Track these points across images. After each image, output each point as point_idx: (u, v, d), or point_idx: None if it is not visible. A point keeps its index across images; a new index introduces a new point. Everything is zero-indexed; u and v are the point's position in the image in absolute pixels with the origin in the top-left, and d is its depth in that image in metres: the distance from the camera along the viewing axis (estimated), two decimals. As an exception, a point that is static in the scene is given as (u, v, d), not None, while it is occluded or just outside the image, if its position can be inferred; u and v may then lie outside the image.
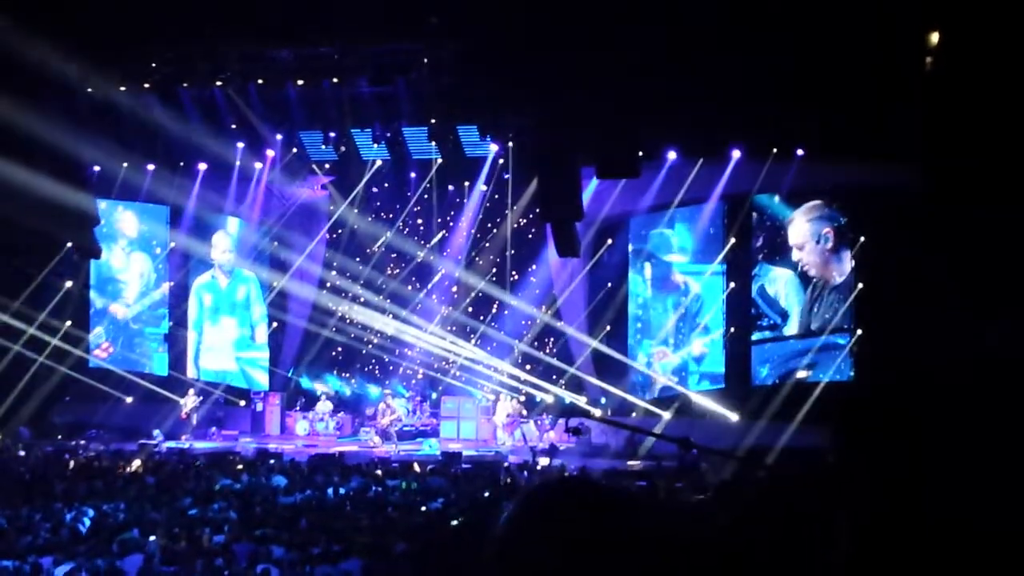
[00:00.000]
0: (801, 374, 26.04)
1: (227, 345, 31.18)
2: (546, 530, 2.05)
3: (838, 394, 24.02)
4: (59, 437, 27.04)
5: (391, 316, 30.14)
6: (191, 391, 29.19)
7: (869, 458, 2.81)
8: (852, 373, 25.29)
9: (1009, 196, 17.09)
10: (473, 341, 29.80)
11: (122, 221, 30.49)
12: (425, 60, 24.43)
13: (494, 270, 29.66)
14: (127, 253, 30.81)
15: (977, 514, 2.67)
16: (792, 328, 26.58)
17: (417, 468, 21.21)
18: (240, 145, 28.48)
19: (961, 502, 2.70)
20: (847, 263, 25.44)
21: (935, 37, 18.69)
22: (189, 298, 31.09)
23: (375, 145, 28.43)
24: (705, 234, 27.29)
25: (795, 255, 26.03)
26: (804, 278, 26.24)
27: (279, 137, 28.50)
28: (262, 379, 30.88)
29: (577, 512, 2.07)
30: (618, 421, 23.77)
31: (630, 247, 28.32)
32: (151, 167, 28.84)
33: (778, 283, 26.77)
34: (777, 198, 26.18)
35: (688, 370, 27.48)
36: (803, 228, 25.84)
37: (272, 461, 21.83)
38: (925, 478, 2.73)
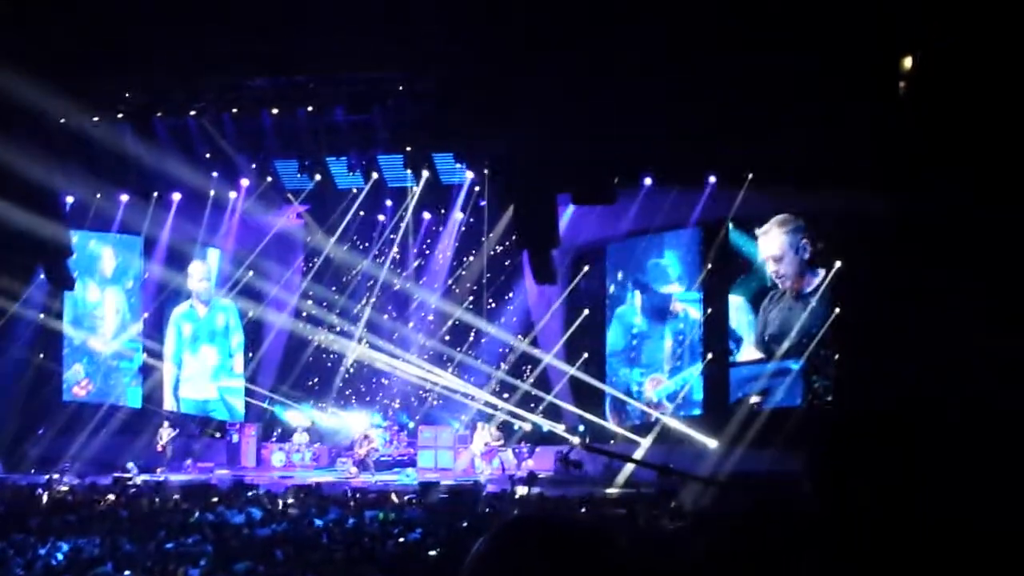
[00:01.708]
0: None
1: (207, 374, 31.00)
2: (513, 570, 2.00)
3: (815, 419, 24.00)
4: (32, 471, 26.79)
5: (367, 345, 30.08)
6: (166, 423, 28.99)
7: (851, 483, 2.77)
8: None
9: (988, 213, 17.20)
10: (450, 369, 29.74)
11: (96, 253, 30.31)
12: (401, 88, 24.45)
13: (471, 298, 29.62)
14: (101, 288, 30.65)
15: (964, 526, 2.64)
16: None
17: (395, 498, 21.10)
18: (214, 174, 28.44)
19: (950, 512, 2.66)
20: (819, 277, 25.35)
21: (908, 62, 18.80)
22: (168, 328, 30.92)
23: (351, 173, 28.43)
24: (685, 260, 27.31)
25: (770, 267, 25.87)
26: (759, 298, 26.22)
27: (253, 166, 28.46)
28: (241, 407, 30.74)
29: (544, 552, 2.02)
30: (620, 454, 23.55)
31: (619, 274, 28.29)
32: (124, 197, 28.76)
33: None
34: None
35: (688, 396, 27.34)
36: (780, 240, 25.70)
37: (249, 493, 21.68)
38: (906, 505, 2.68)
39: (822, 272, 25.25)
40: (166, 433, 28.51)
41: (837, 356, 24.88)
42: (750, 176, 24.90)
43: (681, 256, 27.34)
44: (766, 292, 26.03)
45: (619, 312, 28.39)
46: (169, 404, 30.60)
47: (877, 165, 20.15)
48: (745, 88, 20.14)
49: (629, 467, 24.24)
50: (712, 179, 25.57)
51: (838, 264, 24.82)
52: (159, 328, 30.83)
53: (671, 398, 27.43)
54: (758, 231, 25.86)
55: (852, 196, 21.37)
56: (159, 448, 28.27)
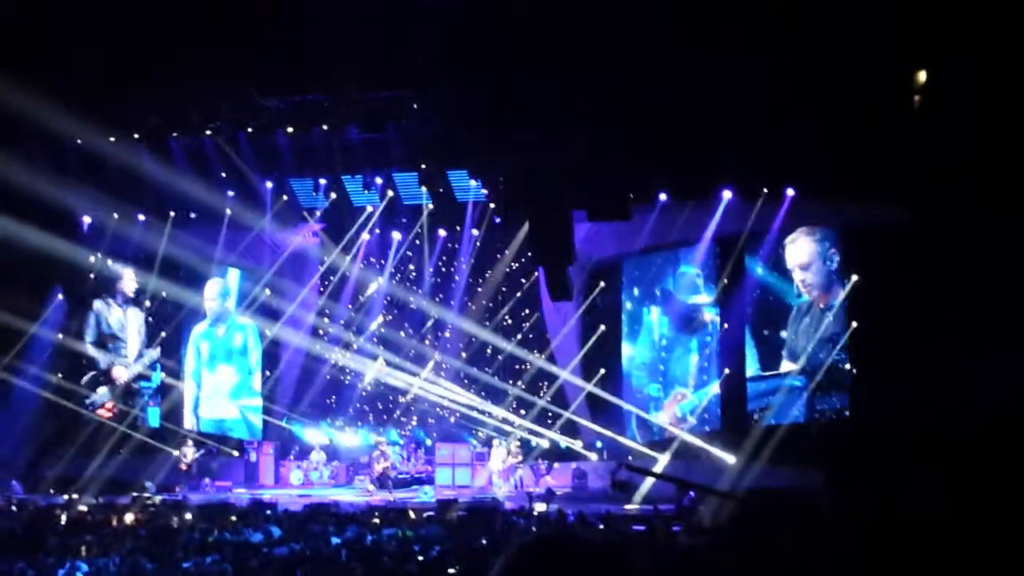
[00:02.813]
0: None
1: (225, 393, 31.03)
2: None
3: (834, 434, 23.88)
4: (51, 491, 26.82)
5: (384, 363, 30.08)
6: (189, 441, 29.08)
7: (862, 497, 2.77)
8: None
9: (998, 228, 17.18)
10: (467, 387, 29.73)
11: (114, 273, 30.33)
12: (415, 106, 24.50)
13: (487, 315, 29.63)
14: (123, 308, 30.64)
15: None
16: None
17: (413, 516, 21.04)
18: (231, 194, 28.50)
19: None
20: (845, 290, 25.25)
21: (923, 75, 18.80)
22: (188, 347, 30.94)
23: (366, 191, 28.47)
24: (701, 275, 27.24)
25: (798, 276, 25.74)
26: (778, 314, 26.26)
27: (269, 185, 28.52)
28: (259, 425, 30.79)
29: (564, 570, 2.02)
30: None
31: (635, 290, 28.27)
32: (142, 217, 28.82)
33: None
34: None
35: (708, 410, 27.24)
36: (809, 248, 25.57)
37: (268, 512, 21.66)
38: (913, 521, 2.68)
39: (848, 284, 25.13)
40: (190, 452, 28.61)
41: (854, 371, 24.77)
42: (764, 191, 24.88)
43: (698, 270, 27.29)
44: (788, 308, 25.97)
45: (646, 323, 28.32)
46: (189, 423, 30.60)
47: (892, 179, 20.12)
48: (759, 102, 20.15)
49: (648, 484, 24.17)
50: (727, 194, 25.50)
51: (855, 278, 24.71)
52: (177, 348, 30.86)
53: (694, 412, 27.32)
54: (786, 240, 25.77)
55: (868, 210, 21.36)
56: (183, 467, 28.37)
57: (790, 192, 24.73)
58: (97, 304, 29.63)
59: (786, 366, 26.09)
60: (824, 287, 25.50)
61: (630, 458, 26.89)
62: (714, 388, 27.17)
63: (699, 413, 27.21)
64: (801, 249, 25.75)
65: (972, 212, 18.07)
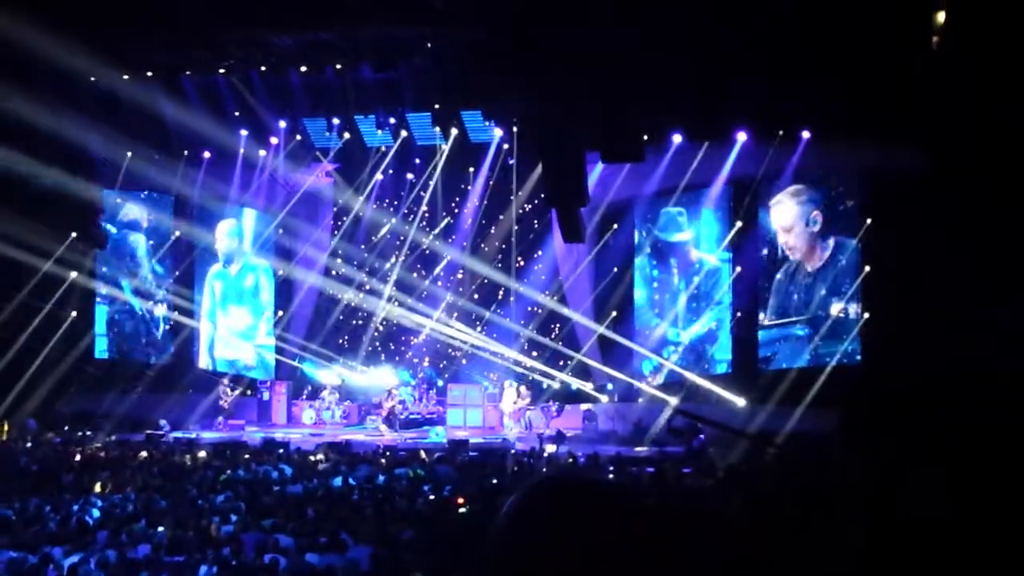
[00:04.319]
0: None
1: (237, 333, 31.17)
2: (543, 530, 2.01)
3: (846, 379, 23.84)
4: (66, 428, 27.02)
5: (397, 303, 30.13)
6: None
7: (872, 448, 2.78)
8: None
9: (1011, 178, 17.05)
10: (479, 328, 29.78)
11: (127, 211, 30.36)
12: (428, 45, 24.32)
13: (499, 256, 29.60)
14: (135, 246, 30.69)
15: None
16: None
17: (424, 456, 21.17)
18: (244, 133, 28.45)
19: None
20: (828, 250, 25.22)
21: (941, 16, 18.59)
22: (204, 288, 31.06)
23: (379, 131, 28.38)
24: (716, 218, 27.19)
25: (781, 238, 25.82)
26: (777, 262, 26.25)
27: (282, 124, 28.45)
28: (272, 365, 30.97)
29: (574, 511, 2.02)
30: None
31: (646, 232, 28.26)
32: (155, 156, 28.79)
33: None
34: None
35: (702, 353, 27.35)
36: (792, 210, 25.62)
37: (280, 451, 21.81)
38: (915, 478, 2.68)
39: (832, 242, 25.07)
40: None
41: (867, 315, 24.70)
42: (780, 133, 24.71)
43: (712, 213, 27.24)
44: (778, 265, 26.02)
45: (638, 267, 28.46)
46: (204, 362, 30.78)
47: (909, 122, 19.94)
48: (776, 44, 19.98)
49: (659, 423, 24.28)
50: (742, 136, 25.35)
51: (868, 221, 24.57)
52: (189, 287, 30.94)
53: (684, 355, 27.47)
54: (771, 202, 25.80)
55: (883, 153, 21.20)
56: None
57: (805, 135, 24.55)
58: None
59: (770, 320, 26.19)
60: (808, 248, 25.49)
61: (640, 400, 26.97)
62: (696, 328, 27.32)
63: (693, 353, 27.38)
64: (784, 211, 25.77)
65: (990, 155, 17.92)
